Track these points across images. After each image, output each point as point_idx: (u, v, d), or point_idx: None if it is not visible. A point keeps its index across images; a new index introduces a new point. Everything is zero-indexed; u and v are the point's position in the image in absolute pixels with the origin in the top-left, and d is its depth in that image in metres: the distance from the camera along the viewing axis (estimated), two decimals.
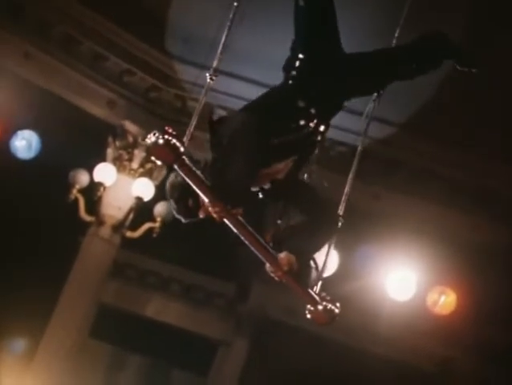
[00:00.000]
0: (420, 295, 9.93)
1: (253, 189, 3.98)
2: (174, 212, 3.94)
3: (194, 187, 3.67)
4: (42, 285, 9.64)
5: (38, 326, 9.53)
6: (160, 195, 9.67)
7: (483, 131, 9.23)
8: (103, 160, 9.68)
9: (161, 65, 9.56)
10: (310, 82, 4.00)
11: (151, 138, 3.53)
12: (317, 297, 3.95)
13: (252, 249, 3.88)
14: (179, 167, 3.61)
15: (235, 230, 3.82)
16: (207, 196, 3.69)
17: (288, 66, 4.08)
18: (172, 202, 3.91)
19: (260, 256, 3.91)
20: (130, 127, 9.74)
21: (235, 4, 4.11)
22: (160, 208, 9.77)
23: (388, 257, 9.75)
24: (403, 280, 9.78)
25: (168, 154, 3.53)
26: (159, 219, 9.74)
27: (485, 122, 9.19)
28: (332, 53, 4.08)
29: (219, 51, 4.01)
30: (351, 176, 4.21)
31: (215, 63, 3.98)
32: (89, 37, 9.32)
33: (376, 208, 9.87)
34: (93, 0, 9.00)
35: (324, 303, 3.93)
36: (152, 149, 3.54)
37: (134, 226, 9.76)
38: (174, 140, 3.53)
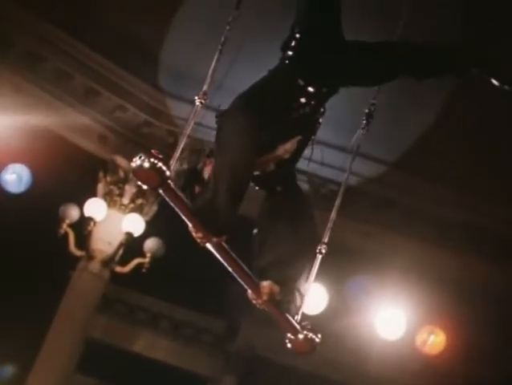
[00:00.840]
0: (410, 334, 9.90)
1: (255, 173, 3.92)
2: None
3: (179, 212, 3.63)
4: (32, 318, 9.61)
5: (27, 359, 9.45)
6: (150, 230, 9.66)
7: (475, 171, 9.25)
8: (94, 194, 9.65)
9: (154, 101, 9.57)
10: (306, 61, 3.95)
11: (136, 161, 3.48)
12: (298, 326, 3.89)
13: (234, 275, 3.84)
14: (164, 191, 3.56)
15: (218, 256, 3.78)
16: (190, 222, 3.65)
17: (285, 47, 4.02)
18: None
19: (242, 283, 3.87)
20: (121, 162, 9.72)
21: (222, 39, 4.06)
22: (150, 244, 9.77)
23: (378, 295, 9.73)
24: (392, 319, 9.75)
25: (154, 177, 3.49)
26: (149, 254, 9.72)
27: (476, 161, 9.21)
28: (331, 33, 4.02)
29: (209, 73, 3.98)
30: (337, 202, 4.13)
31: (205, 87, 3.92)
32: (81, 71, 9.32)
33: (367, 245, 9.86)
34: (85, 34, 8.99)
35: (305, 332, 3.88)
36: (138, 172, 3.49)
37: (124, 261, 9.70)
38: (160, 164, 3.47)
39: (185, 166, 3.82)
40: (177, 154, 3.72)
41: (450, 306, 9.68)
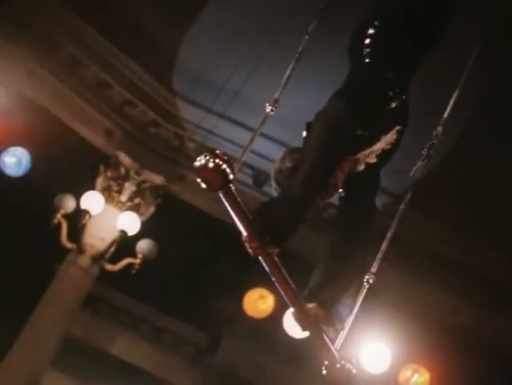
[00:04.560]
0: (393, 370, 9.78)
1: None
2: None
3: (235, 218, 3.56)
4: (14, 308, 9.48)
5: (3, 349, 9.29)
6: (144, 231, 9.56)
7: (475, 213, 9.16)
8: (93, 188, 9.53)
9: (165, 101, 9.48)
10: (389, 48, 4.04)
11: (201, 160, 3.40)
12: (337, 355, 3.79)
13: (281, 292, 3.74)
14: (224, 194, 3.48)
15: (267, 269, 3.69)
16: (246, 230, 3.58)
17: (357, 48, 4.08)
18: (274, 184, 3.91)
19: (287, 301, 3.78)
20: (124, 159, 9.63)
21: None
22: (142, 245, 9.66)
23: (364, 328, 9.59)
24: (377, 352, 9.63)
25: (216, 179, 3.40)
26: (140, 256, 9.61)
27: (478, 203, 9.12)
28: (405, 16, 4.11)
29: (283, 81, 3.98)
30: (389, 234, 4.08)
31: (277, 94, 3.95)
32: (96, 62, 9.22)
33: None
34: (105, 26, 8.90)
35: (343, 362, 3.77)
36: (201, 172, 3.41)
37: (114, 260, 9.58)
38: (225, 166, 3.38)
39: (289, 164, 3.83)
40: (242, 157, 3.75)
41: (437, 348, 9.58)
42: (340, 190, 4.03)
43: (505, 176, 8.65)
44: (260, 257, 3.65)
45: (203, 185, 3.45)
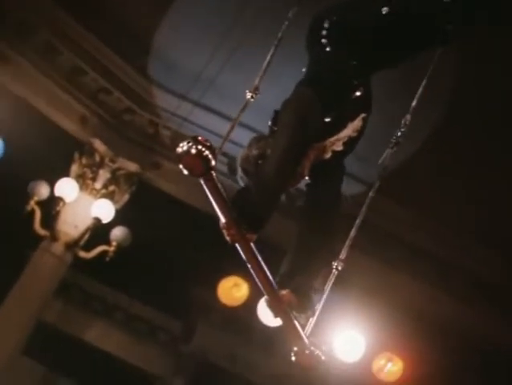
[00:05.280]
0: (367, 359, 9.81)
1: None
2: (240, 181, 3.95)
3: (214, 204, 3.56)
4: None
5: None
6: (119, 219, 9.52)
7: (453, 203, 9.19)
8: (67, 175, 9.47)
9: (140, 88, 9.43)
10: (350, 40, 4.08)
11: (183, 146, 3.37)
12: (307, 341, 3.82)
13: (255, 279, 3.76)
14: (205, 181, 3.48)
15: (244, 256, 3.71)
16: (225, 217, 3.59)
17: (318, 37, 4.11)
18: (246, 177, 3.92)
19: (262, 288, 3.79)
20: (99, 146, 9.57)
21: None
22: (117, 233, 9.64)
23: (338, 317, 9.62)
24: (351, 341, 9.66)
25: (199, 165, 3.39)
26: (114, 243, 9.59)
27: (456, 193, 9.14)
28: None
29: (263, 68, 3.97)
30: (358, 221, 4.07)
31: (257, 81, 3.95)
32: (71, 48, 9.13)
33: None
34: (80, 13, 8.83)
35: (312, 348, 3.81)
36: (183, 158, 3.39)
37: (88, 247, 9.53)
38: (207, 152, 3.37)
39: (255, 152, 3.86)
40: (223, 145, 3.73)
41: (412, 337, 9.61)
42: (307, 177, 4.06)
43: (482, 163, 8.68)
44: (237, 244, 3.67)
45: (185, 172, 3.44)
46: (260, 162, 3.86)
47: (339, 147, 4.06)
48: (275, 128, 3.90)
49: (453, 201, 9.19)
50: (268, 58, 4.00)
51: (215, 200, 3.55)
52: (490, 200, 9.01)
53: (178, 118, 9.41)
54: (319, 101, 3.89)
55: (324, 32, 4.11)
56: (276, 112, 3.94)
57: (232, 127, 3.81)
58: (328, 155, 4.07)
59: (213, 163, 3.40)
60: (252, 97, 3.93)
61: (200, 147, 3.36)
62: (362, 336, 9.66)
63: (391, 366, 9.93)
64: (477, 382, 9.91)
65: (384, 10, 4.04)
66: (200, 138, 3.39)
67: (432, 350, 9.64)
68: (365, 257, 9.63)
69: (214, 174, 3.46)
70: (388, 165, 4.19)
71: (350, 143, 4.09)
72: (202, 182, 3.50)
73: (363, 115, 4.09)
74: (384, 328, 9.60)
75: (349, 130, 4.06)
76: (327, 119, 3.94)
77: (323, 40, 4.11)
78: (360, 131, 4.11)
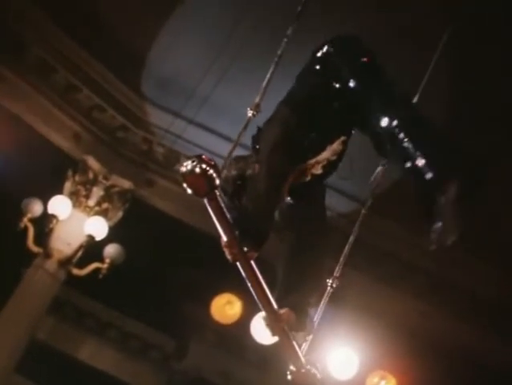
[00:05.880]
0: (361, 377, 9.78)
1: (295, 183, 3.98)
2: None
3: (216, 223, 3.54)
4: None
5: None
6: (112, 236, 9.51)
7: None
8: (60, 192, 9.47)
9: (133, 106, 9.44)
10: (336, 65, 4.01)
11: (188, 165, 3.36)
12: (303, 359, 3.83)
13: (255, 296, 3.75)
14: (208, 200, 3.46)
15: (244, 275, 3.70)
16: (227, 236, 3.57)
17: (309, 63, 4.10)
18: (225, 198, 3.82)
19: (261, 306, 3.78)
20: (92, 163, 9.58)
21: None
22: (110, 250, 9.63)
23: (332, 334, 9.60)
24: (345, 358, 9.63)
25: (203, 184, 3.38)
26: (107, 261, 9.57)
27: None
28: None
29: (263, 86, 3.94)
30: (351, 238, 4.17)
31: (257, 99, 3.93)
32: (65, 66, 9.15)
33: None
34: (74, 29, 8.85)
35: (308, 367, 3.82)
36: (187, 177, 3.37)
37: (81, 264, 9.52)
38: (211, 171, 3.36)
39: (234, 172, 3.88)
40: (227, 163, 3.77)
41: (405, 354, 9.59)
42: (288, 198, 4.05)
43: None
44: (238, 263, 3.66)
45: (189, 191, 3.42)
46: (239, 182, 3.86)
47: (318, 170, 4.02)
48: (257, 147, 3.90)
49: None
50: (268, 76, 3.98)
51: (218, 219, 3.53)
52: (486, 216, 9.01)
53: (172, 135, 9.42)
54: (298, 121, 3.88)
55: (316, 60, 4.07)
56: (259, 129, 3.95)
57: (234, 146, 3.79)
58: (308, 178, 4.04)
59: (218, 182, 3.38)
60: (253, 115, 3.90)
61: (204, 166, 3.34)
62: (356, 354, 9.62)
63: (384, 383, 9.90)
64: None
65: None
66: (204, 157, 3.37)
67: (425, 368, 9.60)
68: (359, 274, 9.63)
69: (218, 193, 3.45)
70: (380, 182, 4.19)
71: (329, 167, 4.05)
72: (205, 201, 3.47)
73: (342, 138, 4.05)
74: (378, 346, 9.57)
75: (328, 152, 4.01)
76: (306, 140, 3.92)
77: (312, 67, 4.07)
78: (340, 155, 4.06)
